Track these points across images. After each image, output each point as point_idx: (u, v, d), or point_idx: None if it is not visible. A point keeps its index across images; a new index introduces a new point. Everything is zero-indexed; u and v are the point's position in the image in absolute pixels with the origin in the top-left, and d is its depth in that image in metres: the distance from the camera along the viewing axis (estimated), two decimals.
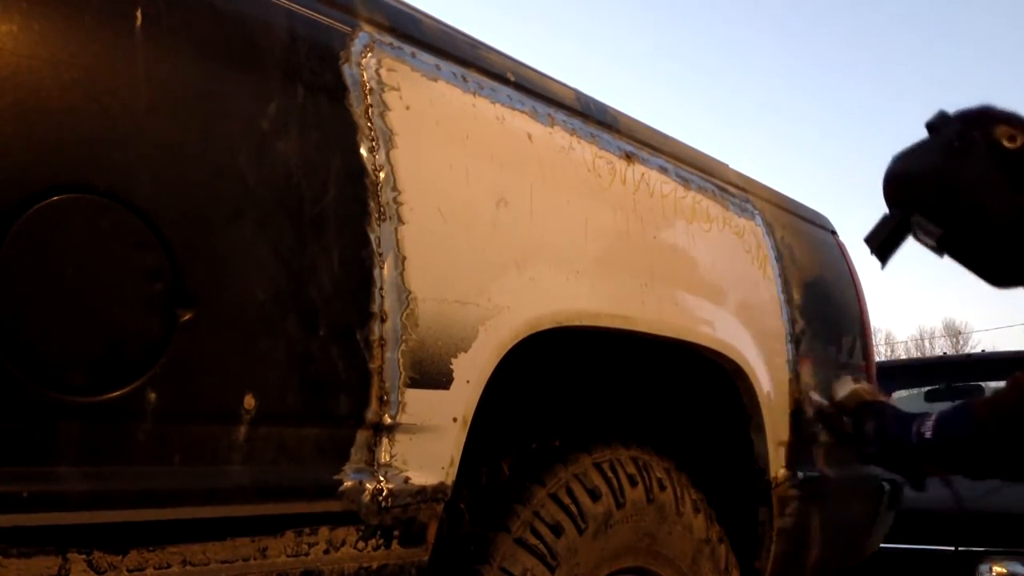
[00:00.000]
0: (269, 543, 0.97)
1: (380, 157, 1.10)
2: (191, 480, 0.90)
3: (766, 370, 1.82)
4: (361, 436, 1.05)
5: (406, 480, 1.09)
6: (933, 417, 1.64)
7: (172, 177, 0.90)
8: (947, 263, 1.78)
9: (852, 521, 2.17)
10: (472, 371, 1.17)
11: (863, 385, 1.84)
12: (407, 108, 1.15)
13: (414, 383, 1.10)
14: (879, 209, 1.87)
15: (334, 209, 1.04)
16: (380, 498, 1.06)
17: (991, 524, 2.86)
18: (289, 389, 0.98)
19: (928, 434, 1.61)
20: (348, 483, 1.03)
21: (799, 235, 2.12)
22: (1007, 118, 1.70)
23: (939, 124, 1.77)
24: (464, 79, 1.28)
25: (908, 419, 1.70)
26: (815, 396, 1.89)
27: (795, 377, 1.92)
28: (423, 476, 1.11)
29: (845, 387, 1.85)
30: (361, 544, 1.06)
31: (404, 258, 1.10)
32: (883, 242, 1.82)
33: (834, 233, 2.36)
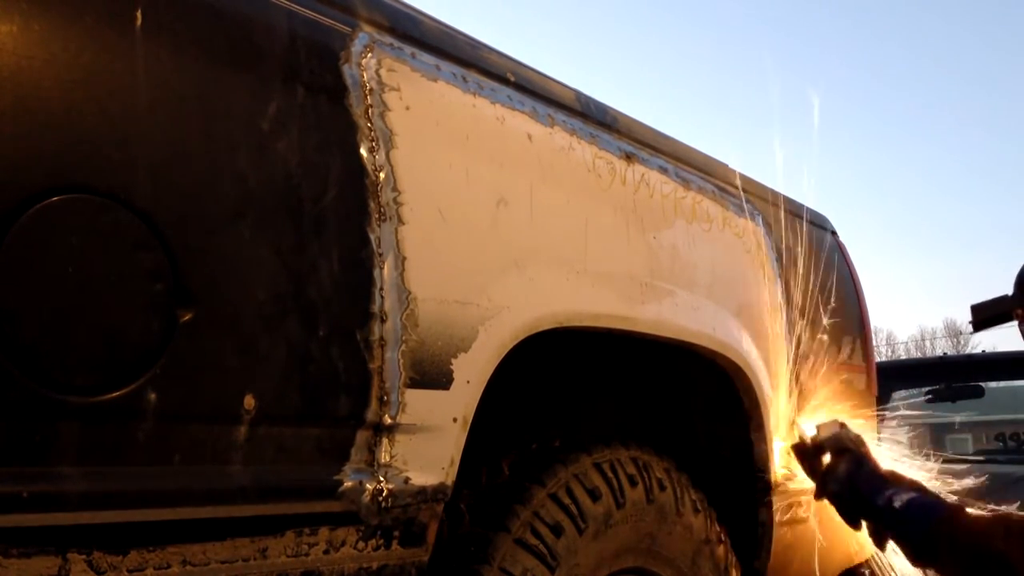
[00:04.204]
0: (269, 543, 0.97)
1: (380, 157, 1.10)
2: (191, 480, 0.90)
3: (766, 370, 1.82)
4: (361, 436, 1.05)
5: (406, 480, 1.09)
6: (910, 496, 1.67)
7: (172, 177, 0.91)
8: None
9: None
10: (472, 371, 1.17)
11: (848, 431, 1.85)
12: (407, 108, 1.15)
13: (414, 383, 1.10)
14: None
15: (334, 209, 1.04)
16: (380, 498, 1.06)
17: None
18: (289, 389, 0.98)
19: (897, 505, 1.64)
20: (348, 483, 1.03)
21: (799, 235, 2.12)
22: None
23: None
24: (464, 79, 1.28)
25: (882, 482, 1.72)
26: (797, 428, 1.89)
27: (795, 377, 1.92)
28: (423, 476, 1.11)
29: (830, 428, 1.85)
30: (361, 544, 1.06)
31: (404, 258, 1.10)
32: (989, 318, 1.91)
33: (834, 233, 2.37)
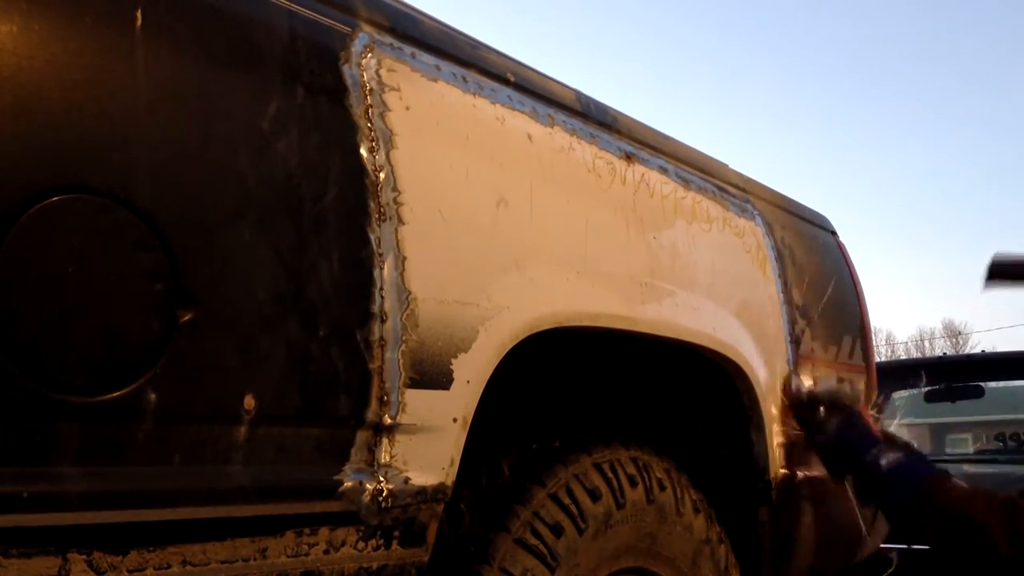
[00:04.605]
0: (269, 543, 0.97)
1: (380, 157, 1.10)
2: (191, 480, 0.90)
3: (766, 370, 1.82)
4: (361, 436, 1.05)
5: (406, 480, 1.09)
6: (898, 456, 1.67)
7: (172, 177, 0.90)
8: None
9: (852, 521, 2.16)
10: (472, 371, 1.17)
11: (845, 387, 1.85)
12: (407, 108, 1.15)
13: (414, 383, 1.10)
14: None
15: (334, 209, 1.04)
16: (380, 498, 1.06)
17: None
18: (289, 389, 0.98)
19: (883, 464, 1.65)
20: (348, 483, 1.03)
21: (799, 235, 2.12)
22: None
23: None
24: (464, 79, 1.28)
25: (872, 439, 1.72)
26: (795, 382, 1.89)
27: (795, 377, 1.92)
28: (423, 476, 1.11)
29: (828, 383, 1.86)
30: (361, 544, 1.06)
31: (404, 258, 1.10)
32: (1008, 273, 1.86)
33: (834, 233, 2.37)
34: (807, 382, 1.88)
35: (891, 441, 1.72)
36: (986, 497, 1.52)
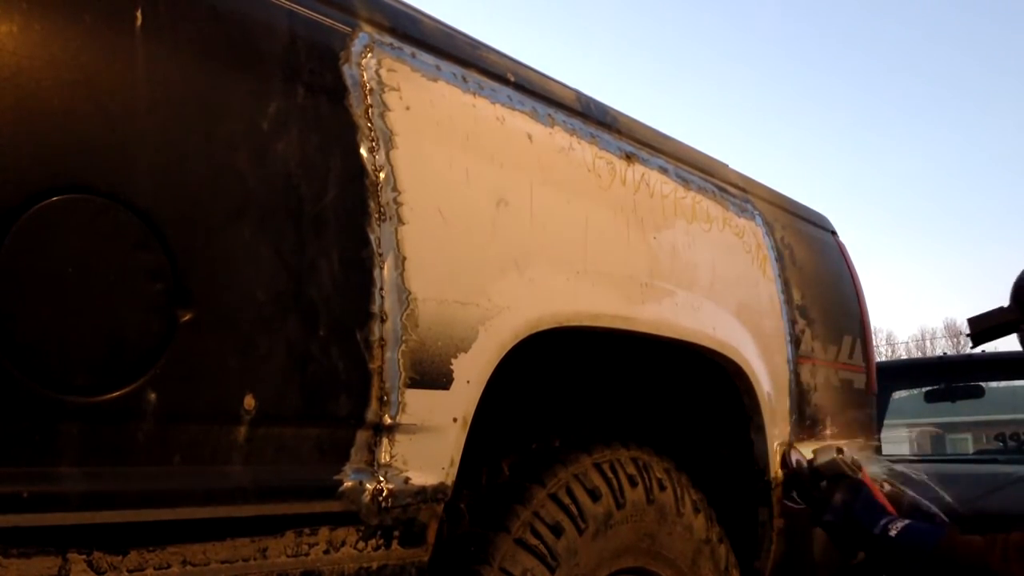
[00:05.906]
0: (269, 543, 0.97)
1: (380, 157, 1.10)
2: (191, 480, 0.90)
3: (766, 370, 1.82)
4: (361, 436, 1.05)
5: (406, 480, 1.09)
6: (905, 522, 1.68)
7: (172, 177, 0.91)
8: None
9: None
10: (472, 371, 1.17)
11: (845, 456, 1.84)
12: (407, 108, 1.15)
13: (414, 383, 1.10)
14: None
15: (334, 209, 1.04)
16: (380, 498, 1.06)
17: (990, 525, 2.85)
18: (289, 389, 0.98)
19: (893, 533, 1.66)
20: (348, 483, 1.03)
21: (799, 235, 2.12)
22: None
23: None
24: (464, 79, 1.28)
25: (878, 510, 1.73)
26: (794, 455, 1.87)
27: (795, 377, 1.92)
28: (423, 476, 1.11)
29: (827, 454, 1.84)
30: (361, 544, 1.06)
31: (404, 258, 1.10)
32: (987, 330, 1.89)
33: (834, 233, 2.37)
34: (807, 454, 1.87)
35: (897, 502, 1.73)
36: (1001, 546, 1.54)
